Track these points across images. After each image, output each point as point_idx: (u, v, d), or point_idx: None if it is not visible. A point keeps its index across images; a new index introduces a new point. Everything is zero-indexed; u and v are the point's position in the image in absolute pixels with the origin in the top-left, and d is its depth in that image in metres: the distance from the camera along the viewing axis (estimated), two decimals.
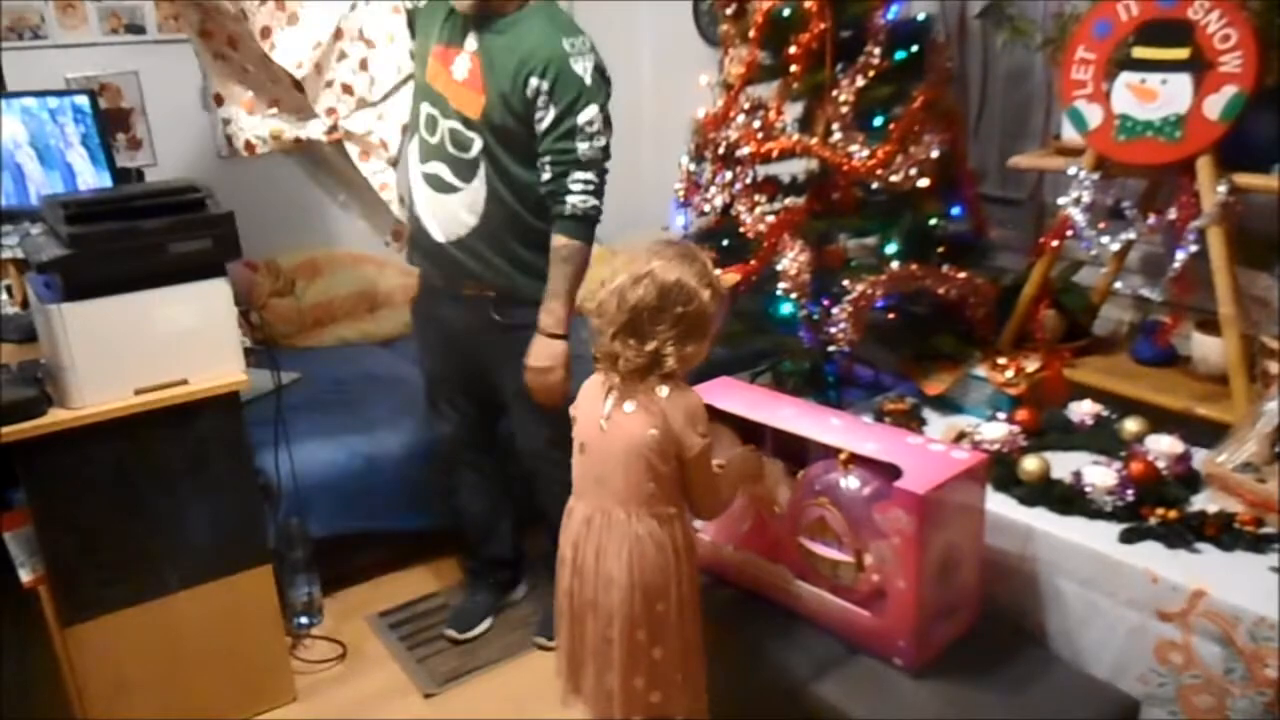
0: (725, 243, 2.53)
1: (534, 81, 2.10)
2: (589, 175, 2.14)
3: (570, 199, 2.14)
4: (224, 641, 2.23)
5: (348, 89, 2.43)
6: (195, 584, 2.17)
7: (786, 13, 2.29)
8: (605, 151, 2.16)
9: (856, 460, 1.79)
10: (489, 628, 2.61)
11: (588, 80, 2.12)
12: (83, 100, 2.59)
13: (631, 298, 1.56)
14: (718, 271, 1.67)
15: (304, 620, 2.61)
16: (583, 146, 2.13)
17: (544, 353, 2.19)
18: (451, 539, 2.83)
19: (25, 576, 2.02)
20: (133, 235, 1.99)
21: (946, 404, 2.37)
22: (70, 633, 2.05)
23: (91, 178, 2.65)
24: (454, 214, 2.25)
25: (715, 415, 1.98)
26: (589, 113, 2.12)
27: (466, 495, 2.61)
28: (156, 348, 2.05)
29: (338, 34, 2.41)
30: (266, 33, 2.30)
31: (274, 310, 3.40)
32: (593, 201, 2.16)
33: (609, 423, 1.61)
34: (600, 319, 1.61)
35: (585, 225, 2.18)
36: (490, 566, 2.68)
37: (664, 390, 1.58)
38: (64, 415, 1.97)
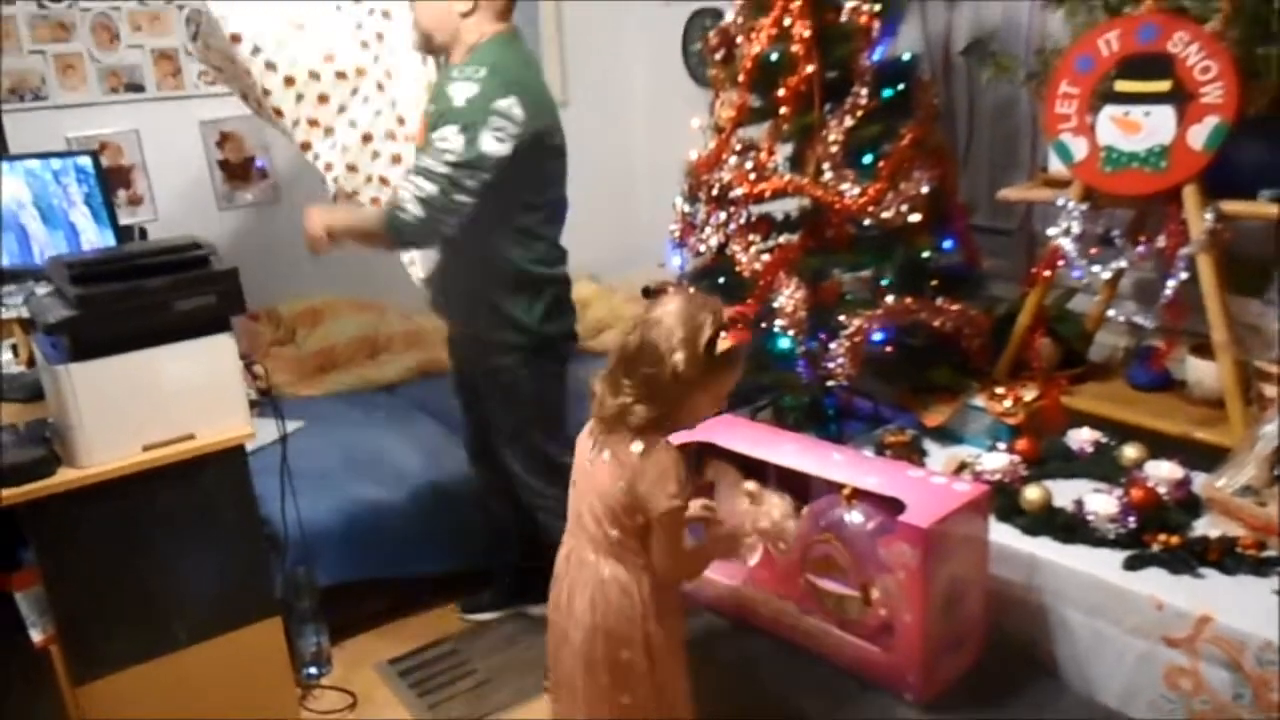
0: (721, 280, 2.57)
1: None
2: (418, 180, 2.14)
3: (395, 195, 2.18)
4: (234, 695, 2.23)
5: (384, 180, 2.60)
6: (204, 638, 2.18)
7: (775, 57, 2.34)
8: (448, 178, 2.12)
9: (859, 495, 1.81)
10: (493, 619, 2.80)
11: (457, 103, 2.14)
12: (86, 161, 2.64)
13: (622, 342, 1.57)
14: (722, 335, 1.56)
15: (313, 670, 2.61)
16: (425, 160, 2.15)
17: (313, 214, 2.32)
18: (459, 583, 2.84)
19: (36, 636, 2.03)
20: (138, 294, 2.01)
21: (947, 435, 2.39)
22: (82, 691, 2.05)
23: (95, 236, 2.69)
24: (428, 251, 2.43)
25: (718, 453, 2.01)
26: (445, 131, 2.13)
27: (489, 496, 2.71)
28: (163, 404, 2.07)
29: (366, 137, 2.59)
30: (306, 146, 2.54)
31: (276, 359, 3.43)
32: (413, 211, 2.13)
33: (591, 466, 1.63)
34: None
35: (391, 224, 2.18)
36: (503, 567, 2.78)
37: (638, 446, 1.55)
38: (73, 474, 1.99)
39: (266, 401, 2.36)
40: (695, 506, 1.80)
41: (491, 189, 2.18)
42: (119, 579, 2.07)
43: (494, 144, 2.14)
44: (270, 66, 2.45)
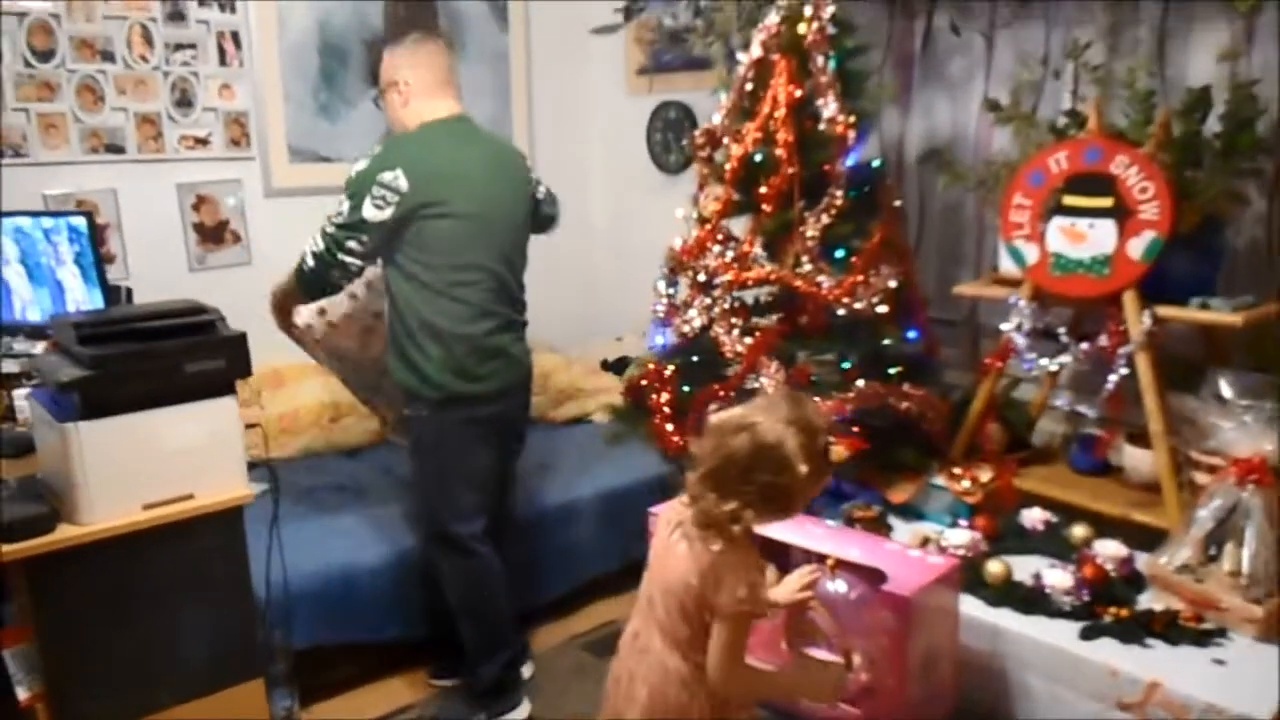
0: (695, 359, 2.73)
1: None
2: (314, 238, 2.44)
3: (302, 252, 2.48)
4: None
5: None
6: (191, 698, 2.17)
7: (759, 158, 2.54)
8: (336, 240, 2.40)
9: (842, 565, 1.95)
10: (448, 689, 2.81)
11: (351, 175, 2.42)
12: (80, 221, 2.67)
13: (728, 445, 1.52)
14: (831, 440, 1.59)
15: None
16: (322, 223, 2.44)
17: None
18: (429, 649, 2.87)
19: (22, 694, 2.01)
20: (151, 356, 2.06)
21: (909, 511, 2.55)
22: None
23: (81, 295, 2.70)
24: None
25: None
26: (341, 199, 2.42)
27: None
28: (165, 464, 2.09)
29: None
30: None
31: (241, 420, 3.43)
32: (310, 263, 2.45)
33: (665, 553, 1.62)
34: (698, 450, 1.58)
35: (297, 275, 2.52)
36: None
37: (717, 545, 1.53)
38: (73, 531, 2.00)
39: (259, 464, 2.40)
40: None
41: (381, 248, 2.44)
42: (110, 638, 2.07)
43: (373, 210, 2.36)
44: None
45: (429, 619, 2.88)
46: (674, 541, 1.60)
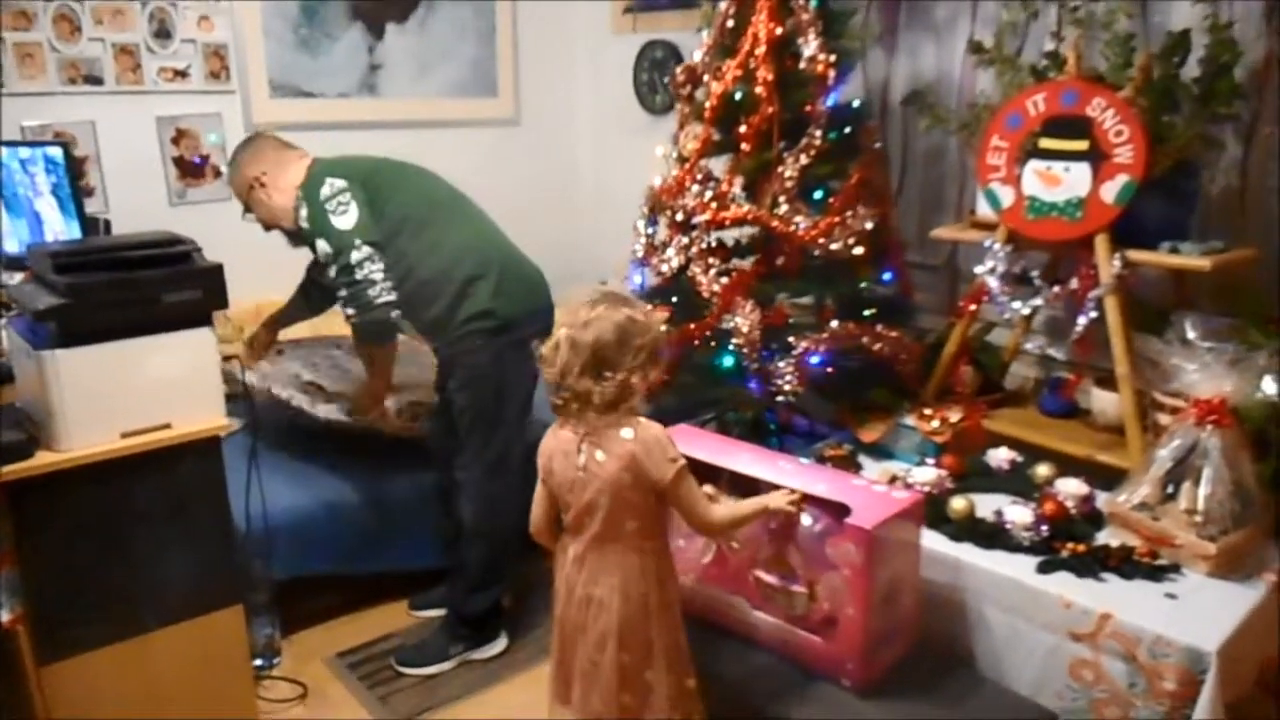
0: (674, 300, 2.74)
1: None
2: (343, 293, 2.49)
3: (345, 315, 2.53)
4: (193, 680, 2.27)
5: None
6: (170, 623, 2.22)
7: (739, 96, 2.53)
8: (347, 269, 2.45)
9: (808, 499, 1.99)
10: (428, 620, 2.88)
11: (305, 225, 2.51)
12: (56, 151, 2.66)
13: (587, 339, 1.70)
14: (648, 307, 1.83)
15: (261, 661, 2.66)
16: (329, 273, 2.50)
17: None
18: (410, 580, 2.93)
19: (5, 616, 2.05)
20: (128, 286, 2.06)
21: (879, 450, 2.59)
22: (46, 672, 2.08)
23: (60, 227, 2.70)
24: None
25: None
26: (320, 246, 2.49)
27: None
28: (143, 394, 2.12)
29: None
30: None
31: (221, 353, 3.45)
32: (351, 310, 2.49)
33: (585, 472, 1.74)
34: (553, 368, 1.73)
35: (358, 334, 2.59)
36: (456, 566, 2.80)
37: (628, 432, 1.72)
38: (51, 458, 2.03)
39: (239, 396, 2.42)
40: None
41: (384, 244, 2.49)
42: (91, 563, 2.11)
43: (345, 219, 2.46)
44: None
45: (415, 553, 2.93)
46: (588, 457, 1.74)
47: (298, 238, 2.62)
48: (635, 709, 1.78)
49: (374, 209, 2.50)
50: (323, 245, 2.47)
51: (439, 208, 2.62)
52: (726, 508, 1.91)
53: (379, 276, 2.46)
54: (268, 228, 2.69)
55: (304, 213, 2.50)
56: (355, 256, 2.44)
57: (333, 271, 2.48)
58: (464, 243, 2.57)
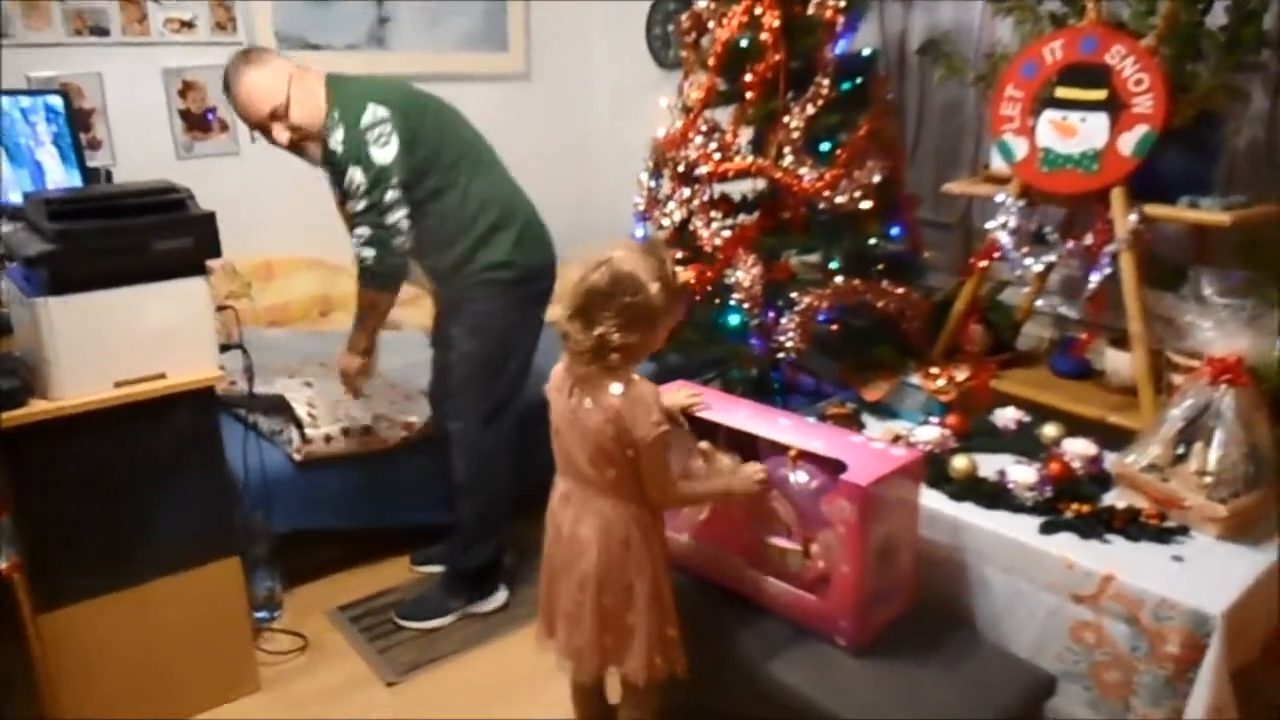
0: (679, 255, 2.68)
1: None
2: (362, 230, 2.37)
3: (357, 254, 2.40)
4: (191, 630, 2.29)
5: None
6: (167, 573, 2.23)
7: (744, 43, 2.46)
8: (376, 207, 2.34)
9: (805, 456, 1.95)
10: (429, 575, 2.87)
11: (339, 150, 2.34)
12: (56, 100, 2.64)
13: (587, 281, 1.67)
14: (678, 269, 1.78)
15: (263, 614, 2.67)
16: (353, 205, 2.36)
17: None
18: (411, 535, 2.92)
19: (1, 563, 2.06)
20: (118, 233, 2.05)
21: (883, 409, 2.54)
22: (43, 620, 2.10)
23: (61, 176, 2.69)
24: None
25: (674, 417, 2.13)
26: (350, 175, 2.34)
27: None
28: (136, 343, 2.11)
29: None
30: None
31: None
32: (370, 252, 2.38)
33: (573, 415, 1.75)
34: (562, 301, 1.73)
35: (368, 277, 2.44)
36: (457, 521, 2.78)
37: (617, 388, 1.69)
38: (45, 406, 2.03)
39: (234, 346, 2.40)
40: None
41: (411, 183, 2.37)
42: (87, 512, 2.12)
43: (383, 151, 2.33)
44: None
45: (417, 508, 2.93)
46: (578, 399, 1.73)
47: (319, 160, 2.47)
48: (616, 651, 1.79)
49: (406, 144, 2.38)
50: (356, 174, 2.34)
51: (470, 151, 2.53)
52: (689, 485, 1.88)
53: (405, 225, 2.38)
54: (295, 151, 2.51)
55: (339, 136, 2.34)
56: (390, 196, 2.35)
57: (361, 204, 2.35)
58: (490, 190, 2.51)
